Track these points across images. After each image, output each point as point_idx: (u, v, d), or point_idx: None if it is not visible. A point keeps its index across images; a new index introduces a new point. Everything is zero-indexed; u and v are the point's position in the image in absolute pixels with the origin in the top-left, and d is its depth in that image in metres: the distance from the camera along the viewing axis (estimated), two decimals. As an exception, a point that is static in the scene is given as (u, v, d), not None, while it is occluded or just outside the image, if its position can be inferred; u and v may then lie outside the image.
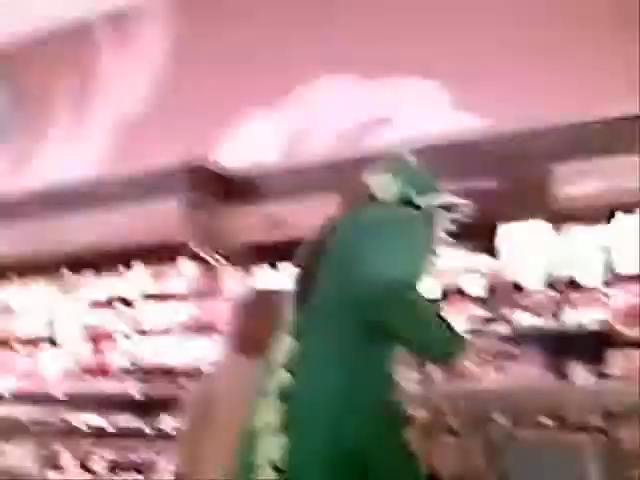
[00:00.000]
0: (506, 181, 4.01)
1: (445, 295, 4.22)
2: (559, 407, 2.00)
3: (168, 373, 5.08)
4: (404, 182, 2.05)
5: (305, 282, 2.01)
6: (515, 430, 1.96)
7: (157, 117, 5.92)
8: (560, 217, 4.01)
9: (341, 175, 4.67)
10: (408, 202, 2.03)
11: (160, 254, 5.19)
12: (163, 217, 4.97)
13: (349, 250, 1.88)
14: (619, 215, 3.88)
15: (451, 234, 2.05)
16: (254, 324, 2.64)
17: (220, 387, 2.59)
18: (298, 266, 2.07)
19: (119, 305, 5.53)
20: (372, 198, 2.06)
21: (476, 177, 4.06)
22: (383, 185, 2.06)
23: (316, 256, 1.97)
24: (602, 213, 3.90)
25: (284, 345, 1.98)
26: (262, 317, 2.62)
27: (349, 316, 1.85)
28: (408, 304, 1.76)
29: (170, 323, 5.25)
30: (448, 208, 2.05)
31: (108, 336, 5.57)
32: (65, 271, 5.78)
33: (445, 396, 2.31)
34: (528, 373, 3.41)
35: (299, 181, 4.72)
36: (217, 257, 4.98)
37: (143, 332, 5.39)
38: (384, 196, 2.05)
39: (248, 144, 5.47)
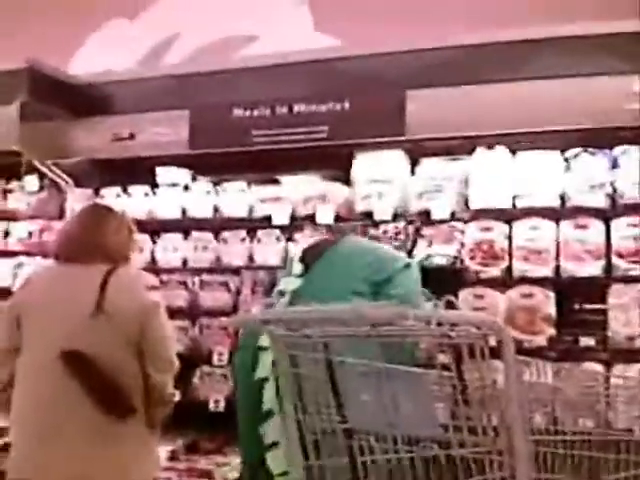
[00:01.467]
0: (361, 105, 3.83)
1: (294, 221, 4.05)
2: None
3: (6, 294, 4.71)
4: None
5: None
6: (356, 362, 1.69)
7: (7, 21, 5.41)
8: (416, 147, 3.85)
9: (193, 89, 4.38)
10: None
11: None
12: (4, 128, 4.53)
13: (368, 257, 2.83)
14: (479, 149, 3.75)
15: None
16: (76, 233, 2.70)
17: (34, 292, 2.65)
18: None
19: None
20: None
21: (332, 99, 3.88)
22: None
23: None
24: (461, 145, 3.77)
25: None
26: (85, 227, 2.68)
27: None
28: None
29: (9, 243, 4.87)
30: None
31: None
32: None
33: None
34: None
35: (149, 94, 4.37)
36: (60, 174, 4.59)
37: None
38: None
39: (105, 54, 5.07)
